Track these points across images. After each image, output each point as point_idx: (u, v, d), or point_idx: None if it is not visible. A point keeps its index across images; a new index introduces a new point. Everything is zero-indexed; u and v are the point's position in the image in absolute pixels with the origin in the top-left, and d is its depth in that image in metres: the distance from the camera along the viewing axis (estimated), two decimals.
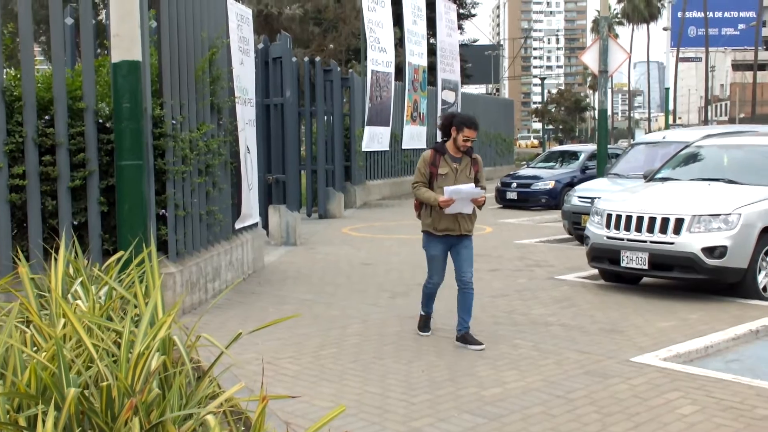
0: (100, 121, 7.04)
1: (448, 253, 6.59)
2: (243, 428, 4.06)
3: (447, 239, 6.49)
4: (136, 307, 4.65)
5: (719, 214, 8.11)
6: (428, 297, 6.84)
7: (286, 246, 12.43)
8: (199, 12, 8.26)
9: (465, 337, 6.47)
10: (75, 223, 6.97)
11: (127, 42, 6.44)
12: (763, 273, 8.18)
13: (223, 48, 8.82)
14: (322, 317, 7.53)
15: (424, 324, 6.89)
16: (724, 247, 7.96)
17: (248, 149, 9.75)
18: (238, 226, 9.48)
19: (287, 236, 12.56)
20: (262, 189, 12.80)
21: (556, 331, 6.95)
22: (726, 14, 79.91)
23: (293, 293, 8.74)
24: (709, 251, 7.99)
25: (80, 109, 6.97)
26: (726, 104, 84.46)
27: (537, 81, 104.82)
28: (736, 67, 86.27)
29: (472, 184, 6.36)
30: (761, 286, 8.15)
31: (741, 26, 76.89)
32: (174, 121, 7.47)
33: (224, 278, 8.70)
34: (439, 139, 6.99)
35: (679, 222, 8.17)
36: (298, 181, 16.41)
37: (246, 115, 9.71)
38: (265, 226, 12.84)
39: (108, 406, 3.48)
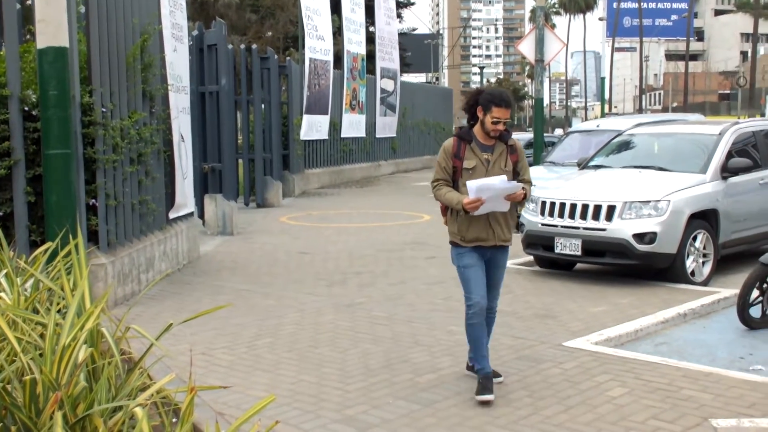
0: (26, 108, 6.84)
1: (484, 268, 5.16)
2: (175, 419, 4.01)
3: (479, 251, 5.10)
4: (63, 299, 4.55)
5: (649, 201, 8.29)
6: (477, 338, 5.07)
7: (223, 236, 12.30)
8: None
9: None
10: (0, 213, 6.77)
11: (53, 27, 6.28)
12: (691, 258, 8.39)
13: (156, 34, 8.65)
14: (258, 307, 7.47)
15: (483, 387, 4.92)
16: (654, 233, 8.14)
17: (182, 137, 9.60)
18: (172, 215, 9.34)
19: (224, 226, 12.42)
20: (197, 178, 12.63)
21: None
22: (659, 5, 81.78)
23: (229, 283, 8.66)
24: (640, 237, 8.16)
25: (4, 97, 6.76)
26: (660, 93, 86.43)
27: (476, 70, 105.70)
28: (669, 57, 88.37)
29: (504, 177, 4.93)
30: (689, 271, 8.36)
31: (674, 17, 78.78)
32: (104, 109, 7.31)
33: (158, 269, 8.57)
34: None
35: (611, 209, 8.32)
36: (235, 170, 16.24)
37: (180, 102, 9.55)
38: (201, 215, 12.69)
39: (32, 401, 3.40)
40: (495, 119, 4.96)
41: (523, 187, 5.02)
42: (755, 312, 6.73)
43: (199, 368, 5.56)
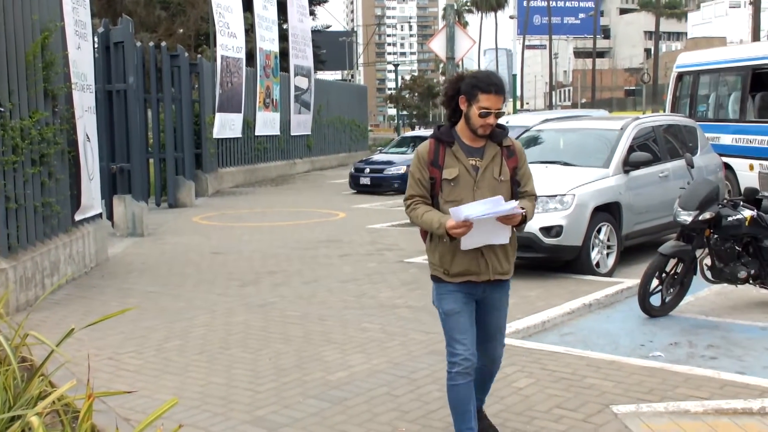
0: None
1: (474, 312, 4.02)
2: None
3: (468, 288, 3.93)
4: None
5: (555, 195, 8.50)
6: (461, 402, 3.91)
7: (133, 237, 12.04)
8: None
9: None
10: None
11: None
12: (596, 250, 8.65)
13: (57, 31, 8.39)
14: (168, 309, 7.35)
15: None
16: (560, 227, 8.36)
17: (88, 137, 9.35)
18: (78, 217, 9.09)
19: (133, 227, 12.16)
20: (105, 179, 12.34)
21: (403, 313, 7.08)
22: (567, 4, 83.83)
23: (138, 285, 8.49)
24: (547, 231, 8.36)
25: None
26: (569, 90, 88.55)
27: (391, 67, 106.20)
28: (578, 54, 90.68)
29: (500, 198, 3.69)
30: (594, 262, 8.62)
31: (581, 15, 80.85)
32: (2, 109, 7.06)
33: (64, 272, 8.33)
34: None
35: None
36: (145, 170, 15.93)
37: (84, 102, 9.30)
38: (111, 217, 12.40)
39: None
40: (483, 110, 3.76)
41: (523, 208, 3.79)
42: (655, 300, 6.99)
43: (105, 373, 5.44)
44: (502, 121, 15.64)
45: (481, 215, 3.64)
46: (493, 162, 3.86)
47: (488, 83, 3.77)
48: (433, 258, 3.99)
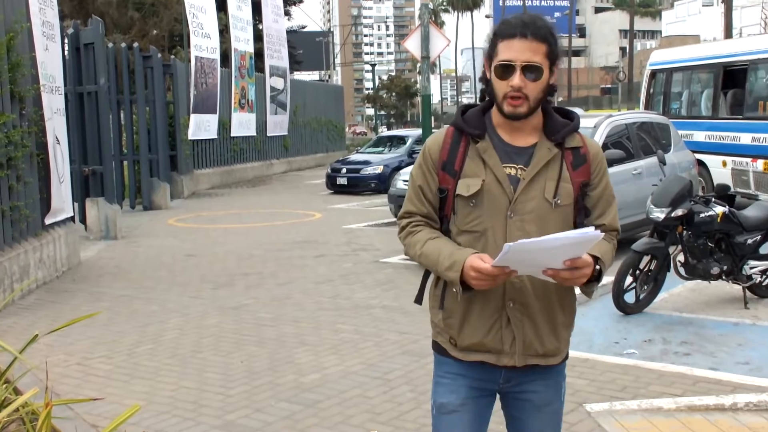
0: None
1: (490, 407, 2.51)
2: None
3: (481, 372, 2.42)
4: None
5: None
6: None
7: (106, 240, 11.91)
8: None
9: None
10: None
11: None
12: None
13: (24, 32, 8.28)
14: (140, 313, 7.26)
15: None
16: None
17: (57, 140, 9.23)
18: (48, 221, 8.96)
19: (107, 230, 12.03)
20: (78, 181, 12.19)
21: (377, 313, 7.04)
22: (543, 3, 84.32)
23: (110, 289, 8.38)
24: None
25: None
26: None
27: (369, 67, 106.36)
28: None
29: (589, 230, 2.11)
30: None
31: (557, 14, 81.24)
32: None
33: (34, 277, 8.21)
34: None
35: None
36: (119, 173, 15.80)
37: (54, 104, 9.17)
38: (84, 220, 12.26)
39: None
40: (502, 63, 2.28)
41: (596, 259, 2.25)
42: (629, 298, 6.99)
43: (74, 379, 5.36)
44: None
45: (549, 244, 2.10)
46: (545, 172, 2.34)
47: (513, 25, 2.28)
48: (434, 314, 2.47)
